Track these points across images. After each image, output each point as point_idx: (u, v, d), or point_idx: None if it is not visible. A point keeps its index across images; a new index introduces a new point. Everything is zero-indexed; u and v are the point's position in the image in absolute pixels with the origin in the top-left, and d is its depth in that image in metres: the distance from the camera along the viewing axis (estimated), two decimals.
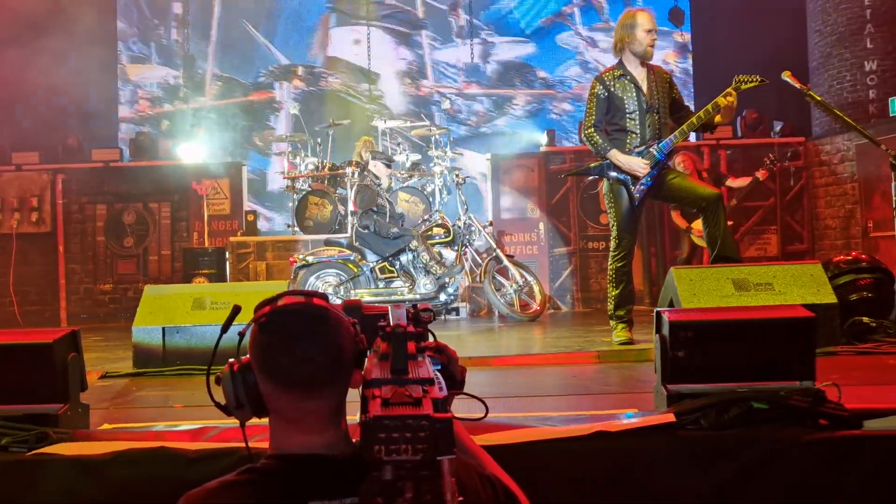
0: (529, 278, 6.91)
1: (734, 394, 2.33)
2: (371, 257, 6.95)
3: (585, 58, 10.66)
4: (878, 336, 4.37)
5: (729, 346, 2.48)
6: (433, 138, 8.00)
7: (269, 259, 7.94)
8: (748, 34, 9.13)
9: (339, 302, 1.90)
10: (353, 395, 1.34)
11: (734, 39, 9.34)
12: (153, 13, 10.76)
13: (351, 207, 7.28)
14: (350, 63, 10.81)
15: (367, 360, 1.35)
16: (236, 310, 1.49)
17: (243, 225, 8.40)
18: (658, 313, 2.57)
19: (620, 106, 4.79)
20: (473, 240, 7.19)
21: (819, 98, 4.74)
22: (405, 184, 7.86)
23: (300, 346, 1.32)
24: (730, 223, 5.26)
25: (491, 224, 7.98)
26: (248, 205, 10.06)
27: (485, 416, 1.52)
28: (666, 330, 2.49)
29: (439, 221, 7.15)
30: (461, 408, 1.50)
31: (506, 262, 6.91)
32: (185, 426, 2.54)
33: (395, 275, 6.92)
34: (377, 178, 7.05)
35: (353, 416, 1.34)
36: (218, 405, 1.42)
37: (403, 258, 6.95)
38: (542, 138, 9.32)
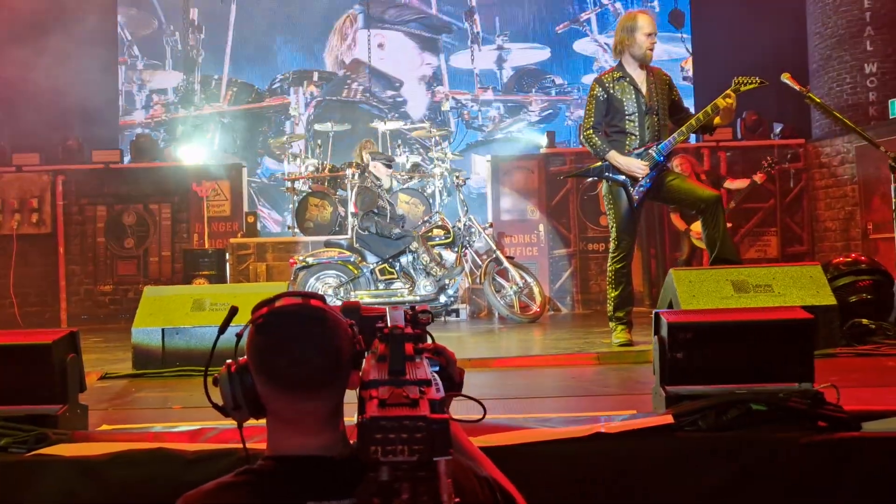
0: (529, 280, 6.91)
1: (733, 395, 2.33)
2: (371, 259, 6.95)
3: (601, 64, 10.66)
4: (877, 338, 4.37)
5: (728, 347, 2.48)
6: (433, 140, 8.01)
7: (270, 260, 7.94)
8: (748, 36, 9.13)
9: (338, 303, 1.91)
10: (351, 397, 1.34)
11: (734, 41, 9.34)
12: (168, 18, 10.76)
13: (351, 209, 7.29)
14: (373, 68, 10.79)
15: (364, 361, 1.35)
16: (233, 311, 1.49)
17: (243, 226, 8.41)
18: (657, 315, 2.58)
19: (620, 108, 4.79)
20: (473, 241, 7.19)
21: (819, 100, 4.74)
22: (405, 185, 7.86)
23: (297, 348, 1.32)
24: (729, 225, 5.26)
25: (491, 225, 7.99)
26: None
27: (482, 417, 1.52)
28: (665, 331, 2.49)
29: (439, 223, 7.16)
30: (460, 409, 1.50)
31: (506, 263, 6.91)
32: (184, 427, 2.54)
33: (395, 276, 6.92)
34: (378, 179, 7.05)
35: (351, 418, 1.34)
36: (215, 406, 1.42)
37: (403, 260, 6.95)
38: (542, 140, 9.32)
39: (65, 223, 8.72)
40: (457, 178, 7.30)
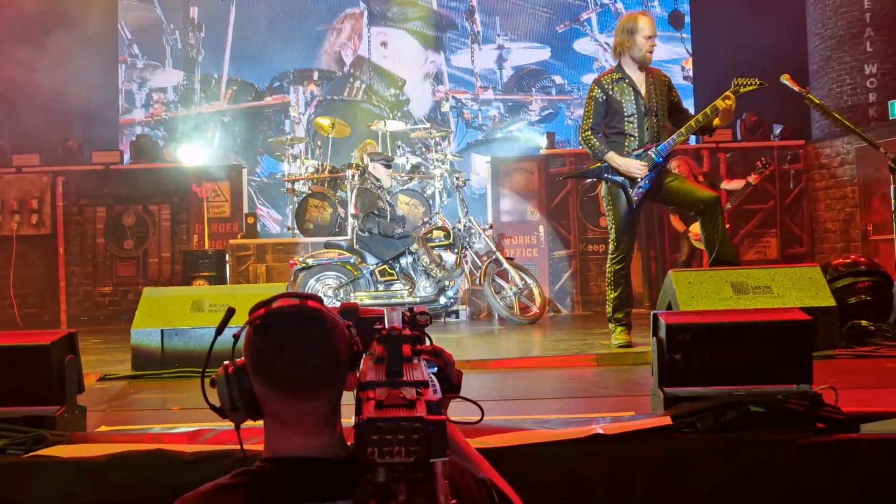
0: (529, 281, 6.91)
1: (731, 397, 2.33)
2: (371, 260, 6.95)
3: (602, 63, 10.65)
4: (876, 339, 4.37)
5: (726, 349, 2.48)
6: (433, 141, 8.01)
7: (269, 261, 7.94)
8: (748, 36, 9.13)
9: (337, 305, 1.90)
10: (349, 398, 1.34)
11: (734, 42, 9.34)
12: (168, 17, 10.75)
13: (351, 210, 7.28)
14: (376, 65, 10.78)
15: (362, 362, 1.34)
16: (230, 312, 1.48)
17: (243, 227, 8.41)
18: (655, 316, 2.58)
19: (619, 109, 4.79)
20: (473, 242, 7.19)
21: (818, 101, 4.74)
22: (405, 186, 7.86)
23: (295, 349, 1.32)
24: (728, 226, 5.26)
25: (491, 227, 7.99)
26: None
27: (480, 419, 1.52)
28: (663, 333, 2.49)
29: (439, 224, 7.15)
30: (458, 411, 1.50)
31: (505, 264, 6.91)
32: (183, 429, 2.54)
33: (395, 277, 6.91)
34: (378, 180, 7.05)
35: (349, 419, 1.34)
36: (213, 408, 1.42)
37: (403, 261, 6.95)
38: (542, 140, 9.32)
39: (64, 224, 8.73)
40: (457, 179, 7.30)
